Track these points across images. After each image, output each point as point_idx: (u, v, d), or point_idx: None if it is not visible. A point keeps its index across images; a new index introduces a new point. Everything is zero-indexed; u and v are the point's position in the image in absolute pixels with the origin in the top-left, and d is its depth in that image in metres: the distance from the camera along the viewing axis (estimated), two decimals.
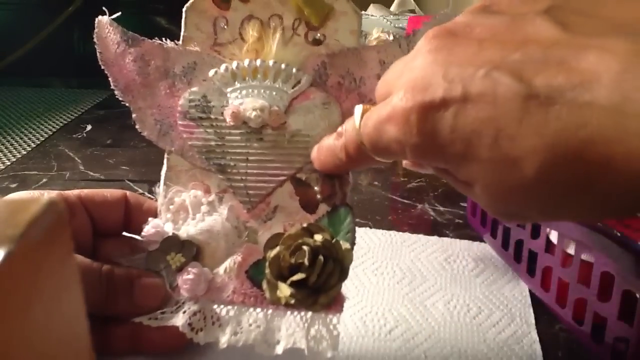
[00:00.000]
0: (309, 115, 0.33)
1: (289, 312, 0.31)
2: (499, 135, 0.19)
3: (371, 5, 1.08)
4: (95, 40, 0.34)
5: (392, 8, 1.13)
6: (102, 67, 0.34)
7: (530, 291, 0.42)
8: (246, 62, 0.33)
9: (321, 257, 0.30)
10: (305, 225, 0.32)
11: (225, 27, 0.34)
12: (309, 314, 0.31)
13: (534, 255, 0.42)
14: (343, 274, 0.31)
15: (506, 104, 0.19)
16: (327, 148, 0.30)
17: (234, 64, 0.33)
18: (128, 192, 0.35)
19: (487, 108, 0.19)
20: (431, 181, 0.64)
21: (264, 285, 0.31)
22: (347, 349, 0.36)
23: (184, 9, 0.34)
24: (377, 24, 0.94)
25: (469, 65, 0.20)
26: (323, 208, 0.32)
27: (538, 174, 0.19)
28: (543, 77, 0.18)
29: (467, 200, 0.56)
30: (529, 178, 0.19)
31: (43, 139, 0.78)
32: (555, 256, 0.39)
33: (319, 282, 0.30)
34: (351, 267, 0.32)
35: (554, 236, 0.39)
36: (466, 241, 0.49)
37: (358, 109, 0.27)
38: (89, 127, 0.82)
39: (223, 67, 0.33)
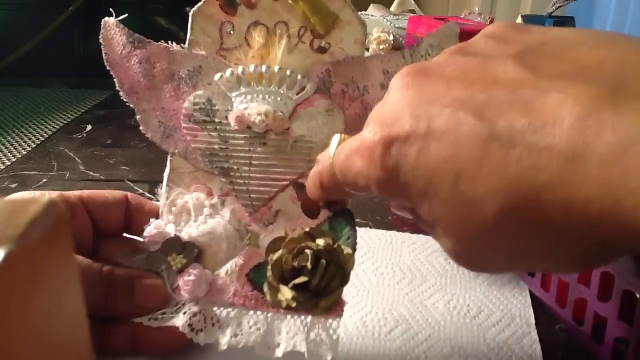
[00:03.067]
0: (313, 122, 0.33)
1: (289, 316, 0.31)
2: (459, 175, 0.19)
3: (371, 5, 1.08)
4: (101, 41, 0.35)
5: (392, 8, 1.13)
6: (108, 68, 0.35)
7: (530, 291, 0.42)
8: (251, 67, 0.33)
9: (323, 261, 0.30)
10: (307, 229, 0.32)
11: (232, 32, 0.34)
12: (309, 317, 0.31)
13: None
14: (344, 279, 0.31)
15: (468, 143, 0.19)
16: (310, 175, 0.30)
17: (240, 69, 0.33)
18: (129, 194, 0.35)
19: (449, 147, 0.19)
20: None
21: (265, 288, 0.31)
22: (347, 349, 0.36)
23: (190, 13, 0.34)
24: (377, 24, 0.94)
25: (436, 103, 0.20)
26: (324, 213, 0.33)
27: (497, 217, 0.18)
28: (506, 119, 0.18)
29: None
30: (488, 220, 0.19)
31: (43, 139, 0.78)
32: None
33: (320, 285, 0.30)
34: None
35: None
36: None
37: (335, 138, 0.26)
38: (89, 127, 0.82)
39: (228, 71, 0.34)
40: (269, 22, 0.34)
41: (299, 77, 0.33)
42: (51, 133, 0.81)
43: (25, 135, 0.81)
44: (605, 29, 1.18)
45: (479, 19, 0.92)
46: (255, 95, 0.33)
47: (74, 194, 0.33)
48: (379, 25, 0.93)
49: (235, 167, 0.34)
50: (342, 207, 0.32)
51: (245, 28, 0.34)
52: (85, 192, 0.34)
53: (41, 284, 0.16)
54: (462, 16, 0.90)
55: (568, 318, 0.38)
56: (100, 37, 0.35)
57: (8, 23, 1.19)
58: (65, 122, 0.87)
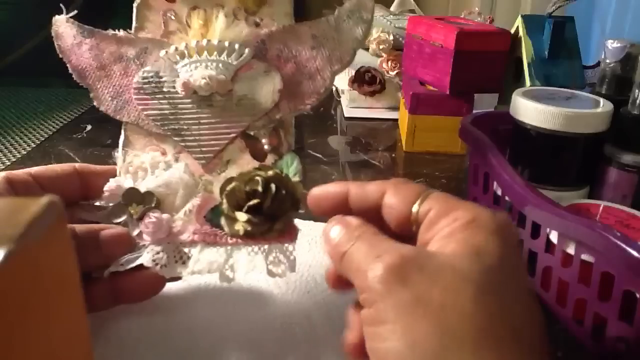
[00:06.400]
0: (253, 82, 0.37)
1: (247, 246, 0.33)
2: None
3: None
4: (52, 34, 0.39)
5: (392, 8, 1.13)
6: (60, 56, 0.39)
7: None
8: (193, 42, 0.37)
9: (273, 185, 0.33)
10: (257, 166, 0.35)
11: (173, 17, 0.38)
12: (266, 245, 0.33)
13: (534, 255, 0.42)
14: (295, 203, 0.33)
15: None
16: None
17: (182, 45, 0.37)
18: (77, 164, 0.37)
19: None
20: (431, 181, 0.64)
21: (222, 221, 0.34)
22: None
23: (134, 5, 0.38)
24: (377, 24, 0.94)
25: None
26: (272, 158, 0.36)
27: None
28: None
29: (467, 200, 0.56)
30: None
31: (43, 139, 0.78)
32: (555, 256, 0.39)
33: (272, 207, 0.33)
34: None
35: (554, 236, 0.39)
36: None
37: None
38: (89, 127, 0.82)
39: (172, 47, 0.37)
40: (206, 5, 0.38)
41: (236, 46, 0.37)
42: (51, 133, 0.81)
43: (25, 135, 0.81)
44: (605, 29, 1.18)
45: (479, 18, 0.92)
46: (198, 64, 0.37)
47: (23, 171, 0.34)
48: (379, 25, 0.93)
49: (185, 127, 0.37)
50: (287, 150, 0.36)
51: (185, 12, 0.38)
52: (34, 169, 0.35)
53: (41, 284, 0.16)
54: (462, 16, 0.90)
55: (568, 318, 0.38)
56: (52, 31, 0.39)
57: (8, 23, 1.19)
58: (65, 122, 0.87)
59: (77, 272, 0.18)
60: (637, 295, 0.32)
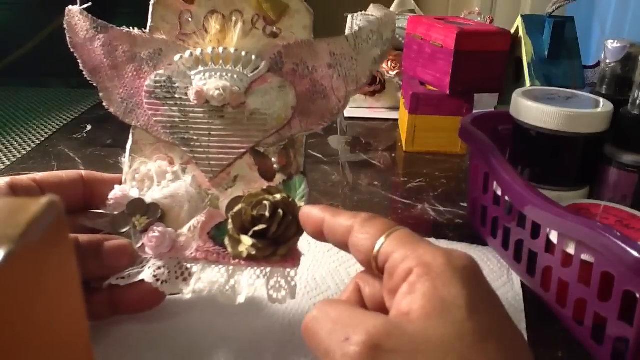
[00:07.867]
0: (267, 96, 0.36)
1: (249, 268, 0.33)
2: None
3: (371, 5, 1.07)
4: (65, 27, 0.37)
5: (392, 8, 1.13)
6: (72, 51, 0.37)
7: (529, 291, 0.42)
8: (209, 49, 0.36)
9: (280, 210, 0.32)
10: (264, 187, 0.34)
11: (190, 19, 0.37)
12: (268, 268, 0.33)
13: (534, 255, 0.42)
14: (300, 229, 0.33)
15: None
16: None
17: (198, 51, 0.36)
18: (83, 172, 0.36)
19: None
20: (431, 181, 0.64)
21: (227, 242, 0.33)
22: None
23: (151, 2, 0.37)
24: None
25: None
26: (280, 177, 0.35)
27: None
28: None
29: (467, 200, 0.56)
30: None
31: (43, 139, 0.78)
32: (555, 256, 0.39)
33: (278, 232, 0.32)
34: (345, 267, 0.32)
35: (554, 236, 0.39)
36: (464, 244, 0.49)
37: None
38: (89, 127, 0.82)
39: (188, 52, 0.36)
40: (224, 10, 0.37)
41: (253, 57, 0.36)
42: (51, 133, 0.81)
43: (25, 135, 0.81)
44: (605, 29, 1.18)
45: (479, 18, 0.92)
46: (213, 73, 0.36)
47: (27, 176, 0.34)
48: None
49: (195, 138, 0.36)
50: (297, 170, 0.35)
51: (202, 16, 0.37)
52: (39, 174, 0.35)
53: (41, 284, 0.16)
54: (462, 16, 0.90)
55: (568, 318, 0.38)
56: (64, 23, 0.37)
57: (8, 23, 1.19)
58: (65, 122, 0.87)
59: (78, 273, 0.18)
60: (637, 295, 0.32)
